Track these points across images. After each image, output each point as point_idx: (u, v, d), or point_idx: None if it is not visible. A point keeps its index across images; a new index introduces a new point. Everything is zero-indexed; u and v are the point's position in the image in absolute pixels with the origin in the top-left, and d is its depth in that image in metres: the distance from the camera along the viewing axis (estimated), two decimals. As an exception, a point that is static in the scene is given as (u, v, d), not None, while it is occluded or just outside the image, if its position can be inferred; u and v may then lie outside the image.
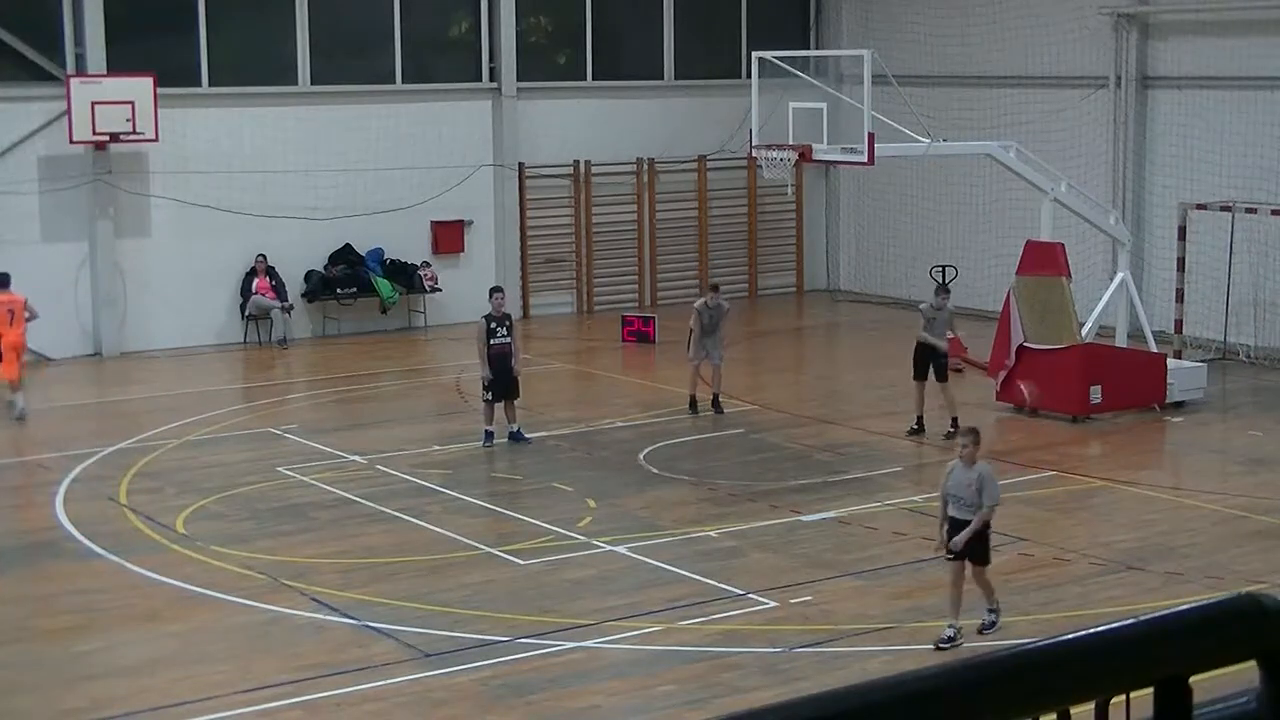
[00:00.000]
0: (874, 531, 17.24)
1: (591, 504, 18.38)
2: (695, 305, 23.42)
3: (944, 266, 28.18)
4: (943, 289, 22.33)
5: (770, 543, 16.87)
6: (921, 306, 22.31)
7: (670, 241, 33.61)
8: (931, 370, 21.53)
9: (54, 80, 27.61)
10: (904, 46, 31.53)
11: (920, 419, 21.65)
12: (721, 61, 33.46)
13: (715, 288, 24.32)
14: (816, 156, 23.60)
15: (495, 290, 21.95)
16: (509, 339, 21.14)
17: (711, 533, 17.21)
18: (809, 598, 15.00)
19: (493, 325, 21.15)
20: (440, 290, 30.84)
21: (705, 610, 14.74)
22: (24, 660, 13.81)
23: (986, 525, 13.74)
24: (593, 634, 14.16)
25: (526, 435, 21.29)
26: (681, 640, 14.01)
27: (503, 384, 21.07)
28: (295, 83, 29.98)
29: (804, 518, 17.76)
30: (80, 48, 27.88)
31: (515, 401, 21.30)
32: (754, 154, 23.87)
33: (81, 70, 27.68)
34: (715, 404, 22.98)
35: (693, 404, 22.95)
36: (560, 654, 13.74)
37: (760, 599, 14.93)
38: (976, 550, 13.76)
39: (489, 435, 21.05)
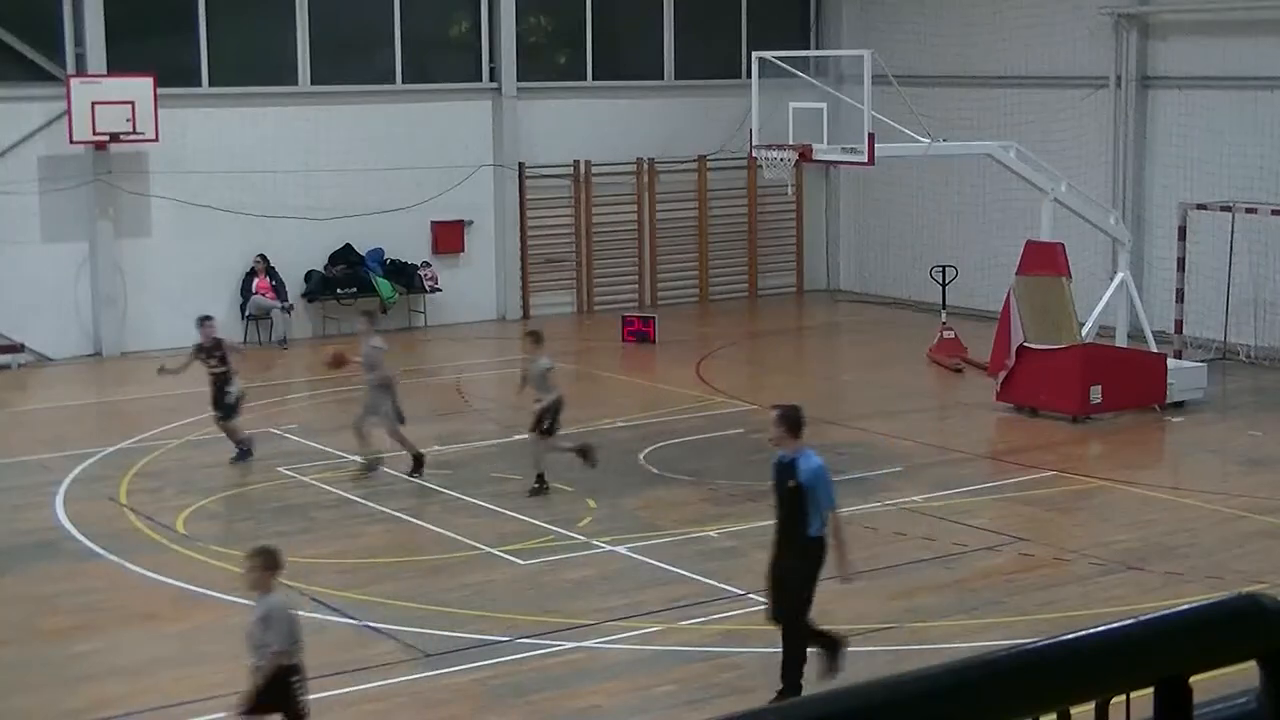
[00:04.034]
0: (873, 532, 17.23)
1: (591, 504, 18.37)
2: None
3: (944, 266, 28.17)
4: (532, 336, 19.28)
5: (770, 543, 16.84)
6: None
7: (670, 242, 33.62)
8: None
9: (54, 80, 27.62)
10: (904, 46, 31.53)
11: (540, 475, 18.96)
12: (721, 61, 33.47)
13: (367, 315, 20.99)
14: (816, 156, 23.60)
15: (203, 319, 20.74)
16: (224, 368, 20.35)
17: (711, 533, 17.21)
18: (809, 598, 14.98)
19: (202, 355, 20.48)
20: (440, 290, 30.87)
21: (705, 610, 14.73)
22: (24, 660, 13.81)
23: (283, 673, 10.63)
24: (593, 634, 14.15)
25: (241, 459, 20.40)
26: (682, 640, 14.01)
27: (219, 406, 20.51)
28: (295, 83, 29.99)
29: (804, 518, 17.72)
30: (80, 48, 27.89)
31: (230, 424, 20.47)
32: (754, 154, 23.87)
33: (82, 70, 27.69)
34: (369, 466, 19.89)
35: (416, 463, 19.84)
36: (560, 654, 13.74)
37: (760, 599, 14.88)
38: (274, 702, 10.68)
39: (242, 451, 20.47)
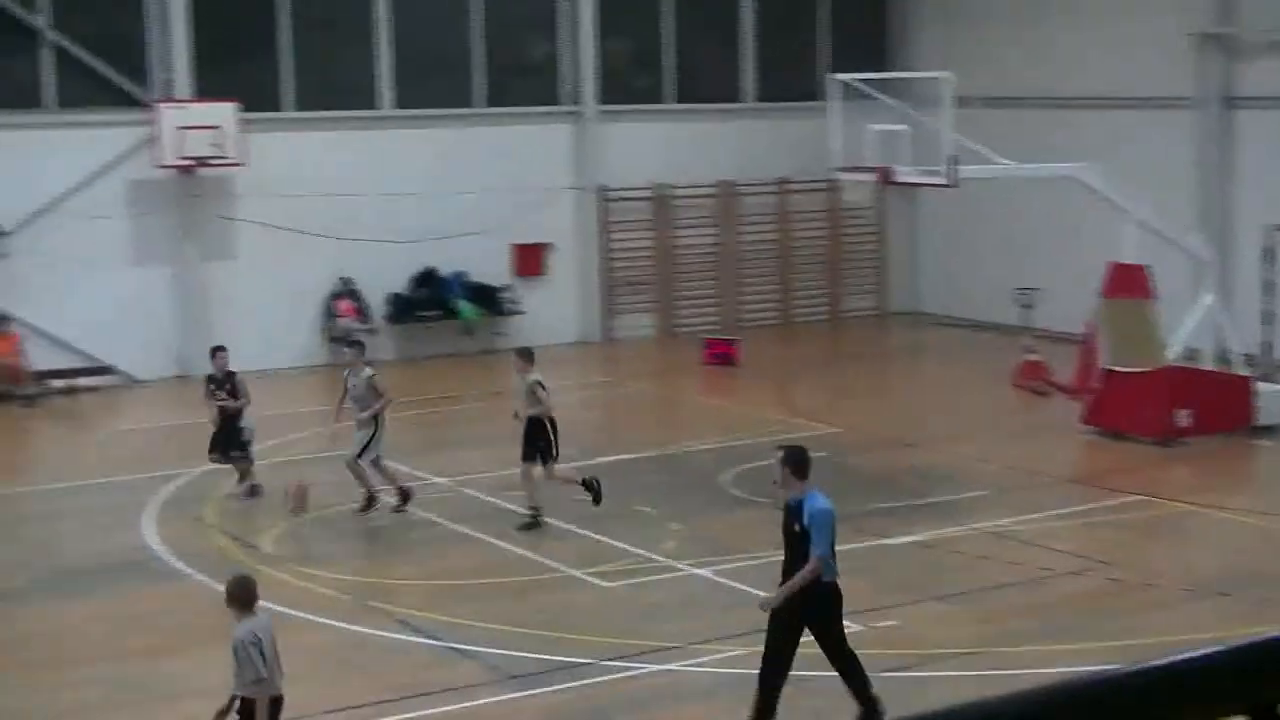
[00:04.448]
0: (959, 555, 17.15)
1: (674, 526, 18.36)
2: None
3: (1027, 289, 28.01)
4: (522, 354, 19.24)
5: (854, 566, 16.74)
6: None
7: (752, 264, 33.64)
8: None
9: (142, 106, 28.00)
10: (985, 68, 31.39)
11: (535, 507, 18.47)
12: (801, 84, 33.46)
13: (355, 345, 19.90)
14: (897, 179, 23.56)
15: (216, 350, 20.29)
16: (234, 402, 19.78)
17: (794, 556, 17.14)
18: (894, 622, 14.94)
19: (211, 387, 20.02)
20: (523, 313, 31.00)
21: (788, 633, 14.67)
22: (113, 679, 13.96)
23: (248, 705, 10.94)
24: (676, 656, 14.15)
25: (250, 497, 19.82)
26: (764, 663, 13.96)
27: (223, 442, 19.89)
28: (378, 107, 30.26)
29: (888, 541, 17.68)
30: (167, 73, 28.27)
31: (247, 463, 19.97)
32: (834, 176, 23.85)
33: (169, 96, 28.05)
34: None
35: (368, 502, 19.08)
36: (644, 677, 13.75)
37: (845, 623, 14.86)
38: None
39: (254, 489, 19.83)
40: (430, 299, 30.33)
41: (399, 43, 30.31)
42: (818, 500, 11.84)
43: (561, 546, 17.70)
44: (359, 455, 18.83)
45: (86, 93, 28.10)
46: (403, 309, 30.16)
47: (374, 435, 18.78)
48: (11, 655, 14.79)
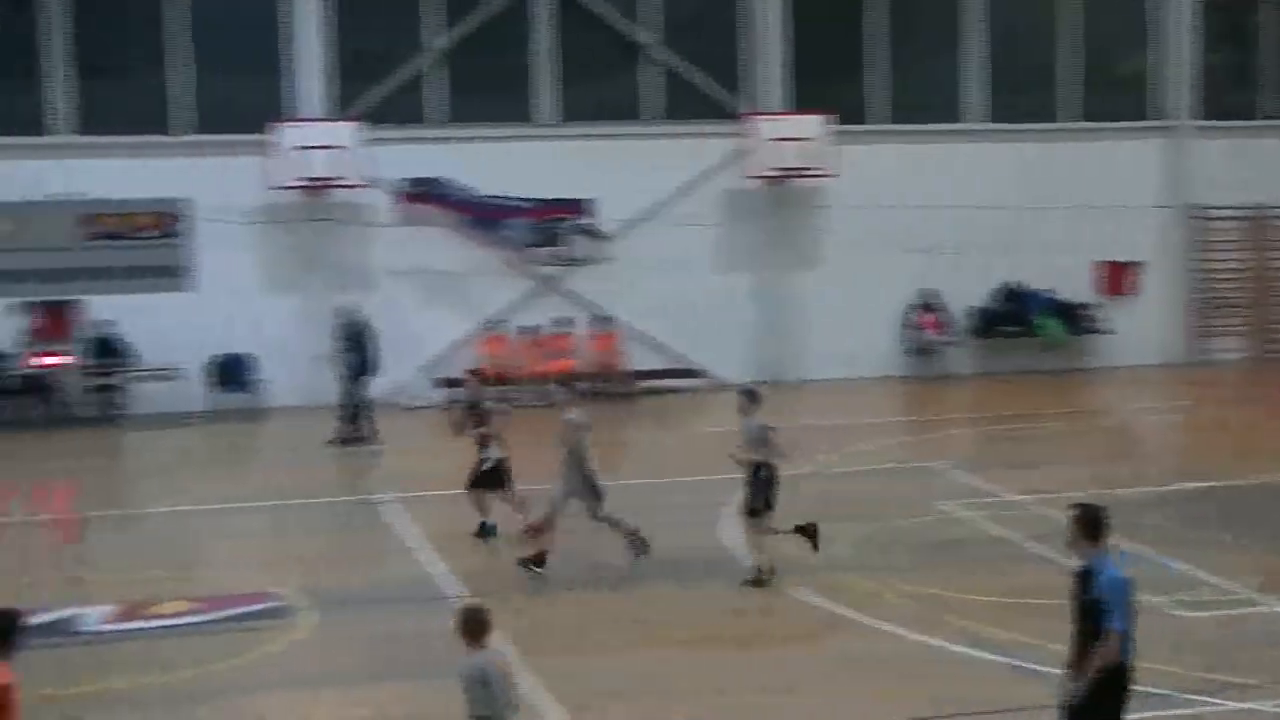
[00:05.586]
0: None
1: (1262, 558, 17.58)
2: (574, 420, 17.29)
3: None
4: (747, 395, 17.16)
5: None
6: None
7: (1356, 288, 31.98)
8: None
9: (737, 118, 28.86)
10: None
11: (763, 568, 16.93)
12: None
13: (564, 384, 18.19)
14: None
15: (470, 373, 19.05)
16: (480, 428, 18.53)
17: (1395, 598, 16.15)
18: None
19: (464, 412, 19.00)
20: (1112, 332, 30.37)
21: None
22: (676, 669, 14.37)
23: None
24: (1256, 695, 13.56)
25: (495, 533, 18.70)
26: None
27: (478, 472, 18.68)
28: (965, 119, 30.22)
29: None
30: (763, 87, 29.05)
31: (492, 496, 18.70)
32: None
33: (761, 108, 28.80)
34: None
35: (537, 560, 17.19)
36: (1223, 714, 13.23)
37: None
38: None
39: (484, 526, 18.72)
40: (1012, 314, 30.10)
41: (990, 56, 30.22)
42: (1111, 569, 10.56)
43: (1134, 573, 17.18)
44: (563, 503, 17.33)
45: (685, 105, 29.20)
46: (984, 323, 30.03)
47: (580, 479, 17.23)
48: (592, 635, 15.44)
